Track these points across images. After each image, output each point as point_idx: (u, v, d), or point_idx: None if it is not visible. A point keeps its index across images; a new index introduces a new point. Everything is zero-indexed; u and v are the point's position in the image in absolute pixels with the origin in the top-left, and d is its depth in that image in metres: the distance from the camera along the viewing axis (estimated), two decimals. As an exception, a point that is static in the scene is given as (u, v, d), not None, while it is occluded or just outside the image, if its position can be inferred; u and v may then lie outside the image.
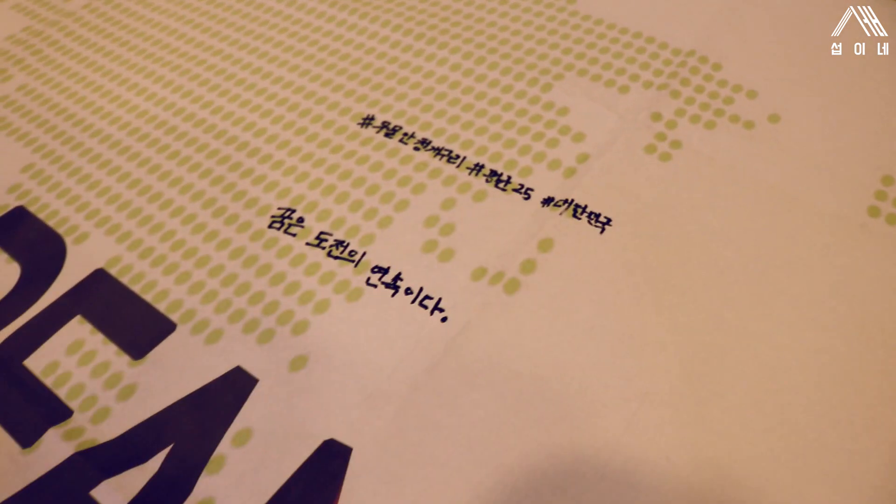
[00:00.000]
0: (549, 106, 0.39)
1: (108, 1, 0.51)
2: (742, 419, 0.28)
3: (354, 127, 0.40)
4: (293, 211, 0.36)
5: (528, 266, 0.33)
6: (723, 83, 0.40)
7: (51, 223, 0.37)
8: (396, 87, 0.42)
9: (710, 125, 0.38)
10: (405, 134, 0.39)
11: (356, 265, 0.33)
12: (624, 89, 0.40)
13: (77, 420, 0.30)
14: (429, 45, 0.44)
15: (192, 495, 0.27)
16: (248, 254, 0.34)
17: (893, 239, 0.33)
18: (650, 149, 0.37)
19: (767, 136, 0.37)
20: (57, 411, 0.30)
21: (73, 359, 0.31)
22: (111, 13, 0.50)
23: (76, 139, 0.41)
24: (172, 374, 0.31)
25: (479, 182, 0.36)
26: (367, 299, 0.32)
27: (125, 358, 0.31)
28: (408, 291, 0.32)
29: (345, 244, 0.34)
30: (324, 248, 0.34)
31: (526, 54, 0.43)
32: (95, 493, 0.28)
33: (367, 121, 0.40)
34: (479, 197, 0.36)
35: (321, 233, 0.35)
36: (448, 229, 0.34)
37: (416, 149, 0.38)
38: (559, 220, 0.34)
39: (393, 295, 0.32)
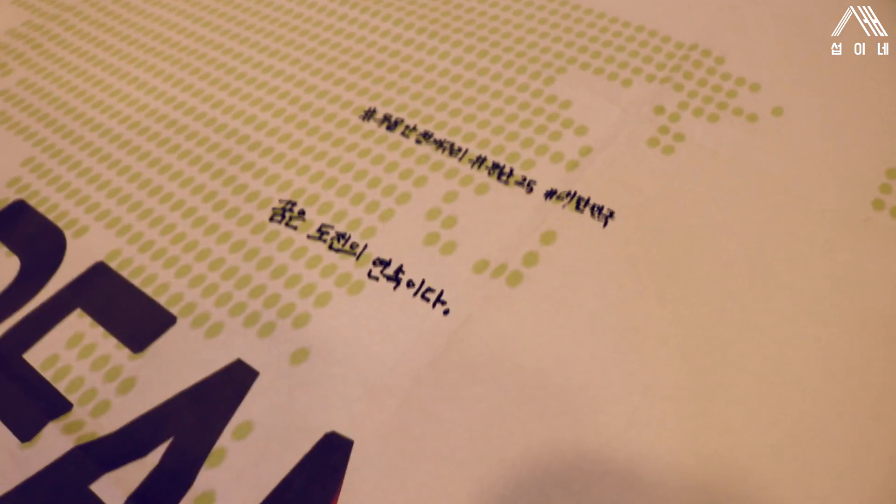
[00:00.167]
0: (551, 99, 0.39)
1: (109, -5, 0.51)
2: (746, 413, 0.28)
3: (356, 120, 0.39)
4: (294, 204, 0.36)
5: (531, 259, 0.33)
6: (726, 76, 0.40)
7: (51, 216, 0.37)
8: (398, 81, 0.41)
9: (713, 118, 0.38)
10: (407, 127, 0.39)
11: (357, 258, 0.33)
12: (627, 83, 0.40)
13: (77, 413, 0.29)
14: (430, 38, 0.44)
15: (193, 489, 0.27)
16: (249, 247, 0.34)
17: (898, 232, 0.32)
18: (653, 142, 0.37)
19: (771, 130, 0.37)
20: (56, 405, 0.30)
21: (72, 352, 0.31)
22: (111, 7, 0.50)
23: (76, 133, 0.41)
24: (173, 368, 0.30)
25: (482, 175, 0.36)
26: (369, 292, 0.32)
27: (125, 351, 0.31)
28: (409, 284, 0.32)
29: (346, 237, 0.34)
30: (325, 241, 0.34)
31: (528, 48, 0.42)
32: (95, 487, 0.27)
33: (369, 114, 0.40)
34: (482, 190, 0.35)
35: (322, 226, 0.35)
36: (450, 222, 0.34)
37: (418, 142, 0.38)
38: (562, 213, 0.34)
39: (395, 288, 0.32)
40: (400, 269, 0.33)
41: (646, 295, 0.31)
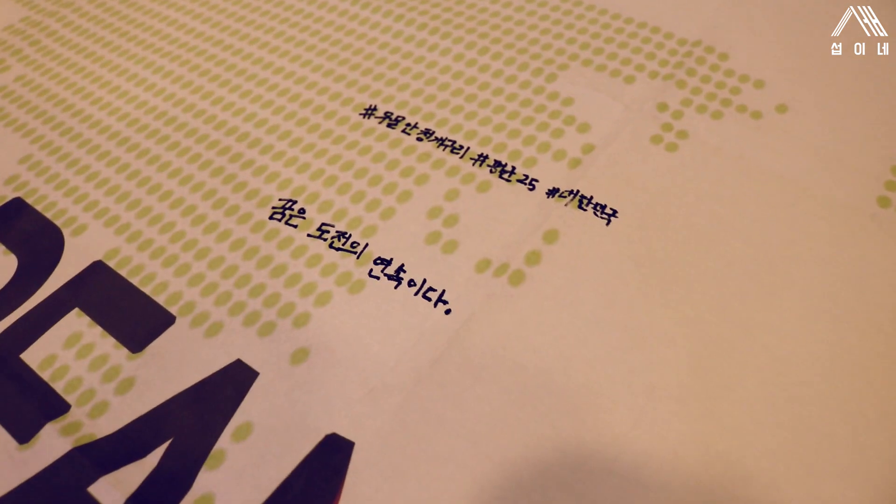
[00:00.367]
0: (553, 96, 0.39)
1: (107, -9, 0.51)
2: (752, 413, 0.27)
3: (356, 117, 0.39)
4: (294, 202, 0.35)
5: (533, 258, 0.32)
6: (729, 73, 0.39)
7: (48, 215, 0.36)
8: (399, 77, 0.41)
9: (716, 115, 0.37)
10: (408, 124, 0.38)
11: (358, 257, 0.33)
12: (629, 79, 0.39)
13: (75, 414, 0.29)
14: (431, 34, 0.43)
15: (192, 491, 0.27)
16: (249, 245, 0.34)
17: (905, 230, 0.32)
18: (656, 139, 0.36)
19: (775, 126, 0.36)
20: (54, 405, 0.29)
21: (70, 352, 0.31)
22: (110, 3, 0.49)
23: (74, 130, 0.41)
24: (172, 368, 0.30)
25: (483, 173, 0.36)
26: (370, 291, 0.32)
27: (124, 351, 0.31)
28: (411, 283, 0.32)
29: (347, 235, 0.34)
30: (325, 239, 0.34)
31: (530, 44, 0.42)
32: (93, 489, 0.27)
33: (369, 111, 0.39)
34: (483, 188, 0.35)
35: (323, 224, 0.34)
36: (452, 220, 0.34)
37: (419, 139, 0.37)
38: (564, 211, 0.34)
39: (396, 287, 0.32)
40: (401, 268, 0.32)
41: (650, 294, 0.31)
